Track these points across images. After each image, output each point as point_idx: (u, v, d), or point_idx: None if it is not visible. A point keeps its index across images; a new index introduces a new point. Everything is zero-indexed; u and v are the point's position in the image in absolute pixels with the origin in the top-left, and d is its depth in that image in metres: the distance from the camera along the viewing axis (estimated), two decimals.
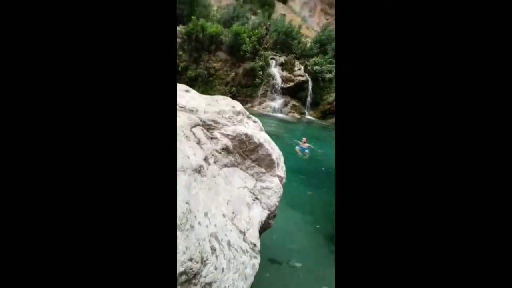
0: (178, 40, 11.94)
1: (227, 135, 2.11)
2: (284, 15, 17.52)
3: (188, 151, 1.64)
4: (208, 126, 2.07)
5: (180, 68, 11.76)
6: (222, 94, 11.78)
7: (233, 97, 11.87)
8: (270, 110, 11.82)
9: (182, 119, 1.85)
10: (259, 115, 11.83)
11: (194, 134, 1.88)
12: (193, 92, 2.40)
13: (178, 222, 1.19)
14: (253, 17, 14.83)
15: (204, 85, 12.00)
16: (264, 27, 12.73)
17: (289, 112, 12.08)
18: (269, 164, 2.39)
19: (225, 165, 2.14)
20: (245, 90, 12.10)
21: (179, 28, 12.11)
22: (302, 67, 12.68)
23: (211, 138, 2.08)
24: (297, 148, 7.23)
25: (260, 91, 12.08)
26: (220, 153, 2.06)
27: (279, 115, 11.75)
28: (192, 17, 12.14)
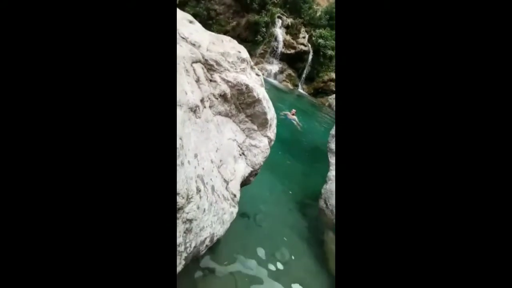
0: None
1: (227, 81, 1.95)
2: None
3: (186, 87, 1.49)
4: (210, 67, 1.88)
5: (178, 1, 10.46)
6: None
7: None
8: (265, 74, 11.37)
9: (183, 50, 1.64)
10: None
11: (194, 70, 1.70)
12: (197, 25, 2.12)
13: None
14: None
15: None
16: None
17: (283, 80, 11.73)
18: (262, 123, 2.32)
19: (219, 113, 2.03)
20: (244, 44, 11.06)
21: None
22: (307, 36, 12.03)
23: (210, 80, 1.92)
24: (281, 117, 7.21)
25: (259, 50, 11.40)
26: (217, 98, 1.93)
27: (273, 81, 11.40)
28: None
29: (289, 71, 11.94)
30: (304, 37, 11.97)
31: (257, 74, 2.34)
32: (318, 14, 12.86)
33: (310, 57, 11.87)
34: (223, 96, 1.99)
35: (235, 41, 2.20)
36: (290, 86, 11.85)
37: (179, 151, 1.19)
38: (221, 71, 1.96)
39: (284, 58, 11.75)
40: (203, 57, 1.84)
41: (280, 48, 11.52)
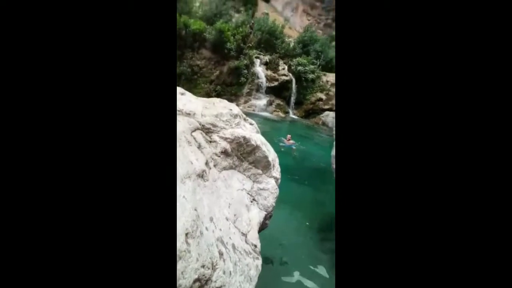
0: None
1: (225, 138, 2.12)
2: (267, 13, 17.58)
3: (191, 157, 1.63)
4: (207, 130, 2.07)
5: None
6: (207, 92, 11.63)
7: (218, 95, 11.83)
8: (255, 109, 11.86)
9: (182, 124, 1.83)
10: (245, 114, 11.86)
11: (194, 138, 1.87)
12: (188, 95, 2.37)
13: (189, 229, 1.20)
14: (236, 15, 14.70)
15: (188, 83, 11.72)
16: (249, 25, 12.69)
17: (274, 111, 12.20)
18: (266, 166, 2.44)
19: (224, 168, 2.16)
20: (230, 88, 12.02)
21: None
22: (286, 67, 12.83)
23: (210, 141, 2.09)
24: (281, 144, 7.38)
25: (245, 90, 12.07)
26: (219, 156, 2.07)
27: (264, 113, 11.83)
28: None
29: (277, 101, 12.49)
30: (283, 69, 12.75)
31: (251, 124, 2.53)
32: (291, 46, 13.90)
33: (294, 84, 12.52)
34: (225, 152, 2.14)
35: (225, 101, 2.43)
36: (281, 114, 12.27)
37: (196, 222, 1.28)
38: (219, 131, 2.14)
39: (270, 91, 12.38)
40: (200, 124, 2.03)
41: (264, 83, 12.21)
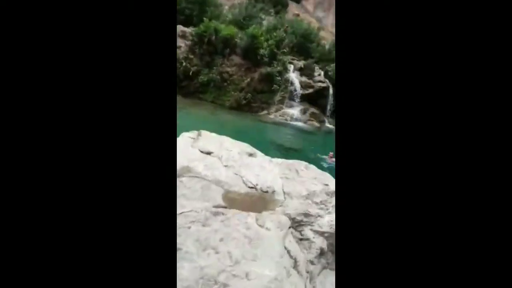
0: (188, 43, 11.29)
1: (322, 233, 1.39)
2: (298, 15, 16.67)
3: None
4: (297, 223, 1.35)
5: (191, 72, 11.08)
6: (236, 100, 11.08)
7: (248, 103, 11.25)
8: (288, 118, 11.09)
9: (272, 233, 1.12)
10: (276, 124, 11.18)
11: (289, 252, 1.16)
12: (259, 155, 1.67)
13: None
14: (266, 17, 14.02)
15: (217, 91, 11.31)
16: (282, 29, 11.93)
17: (308, 120, 11.33)
18: None
19: (317, 274, 1.43)
20: (261, 96, 11.38)
21: (189, 30, 11.43)
22: (322, 73, 11.90)
23: (301, 239, 1.36)
24: (325, 165, 6.47)
25: (277, 98, 11.35)
26: (314, 264, 1.34)
27: (297, 123, 11.03)
28: (204, 18, 11.41)
29: (312, 109, 11.60)
30: (319, 74, 11.85)
31: None
32: (327, 49, 12.90)
33: (331, 91, 11.55)
34: (320, 253, 1.40)
35: (312, 166, 1.68)
36: (316, 123, 11.37)
37: None
38: (312, 222, 1.40)
39: (304, 99, 11.56)
40: (290, 218, 1.30)
41: (298, 90, 11.41)
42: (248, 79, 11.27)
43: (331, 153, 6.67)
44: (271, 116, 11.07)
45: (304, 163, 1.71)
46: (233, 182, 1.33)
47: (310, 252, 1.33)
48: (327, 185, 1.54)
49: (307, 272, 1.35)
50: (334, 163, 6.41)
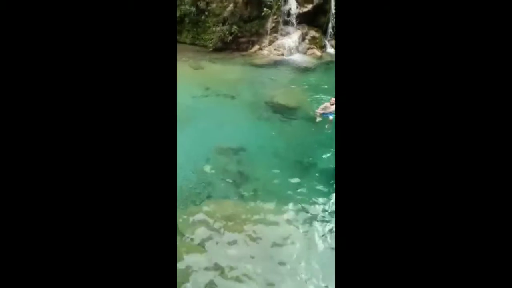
0: None
1: None
2: None
3: None
4: None
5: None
6: (220, 36, 9.03)
7: (235, 39, 9.20)
8: (285, 53, 9.47)
9: None
10: (271, 63, 9.53)
11: None
12: None
13: None
14: None
15: (195, 27, 9.01)
16: None
17: (308, 48, 9.72)
18: None
19: None
20: (249, 26, 9.18)
21: None
22: None
23: None
24: (317, 112, 5.68)
25: (270, 25, 9.22)
26: None
27: (296, 58, 9.51)
28: None
29: (312, 32, 9.70)
30: None
31: None
32: None
33: (333, 4, 9.25)
34: None
35: None
36: (317, 52, 9.84)
37: None
38: None
39: (302, 20, 9.42)
40: None
41: (294, 9, 9.10)
42: (231, 6, 8.73)
43: (333, 100, 5.83)
44: (265, 52, 9.37)
45: None
46: None
47: None
48: None
49: None
50: (330, 113, 5.68)
